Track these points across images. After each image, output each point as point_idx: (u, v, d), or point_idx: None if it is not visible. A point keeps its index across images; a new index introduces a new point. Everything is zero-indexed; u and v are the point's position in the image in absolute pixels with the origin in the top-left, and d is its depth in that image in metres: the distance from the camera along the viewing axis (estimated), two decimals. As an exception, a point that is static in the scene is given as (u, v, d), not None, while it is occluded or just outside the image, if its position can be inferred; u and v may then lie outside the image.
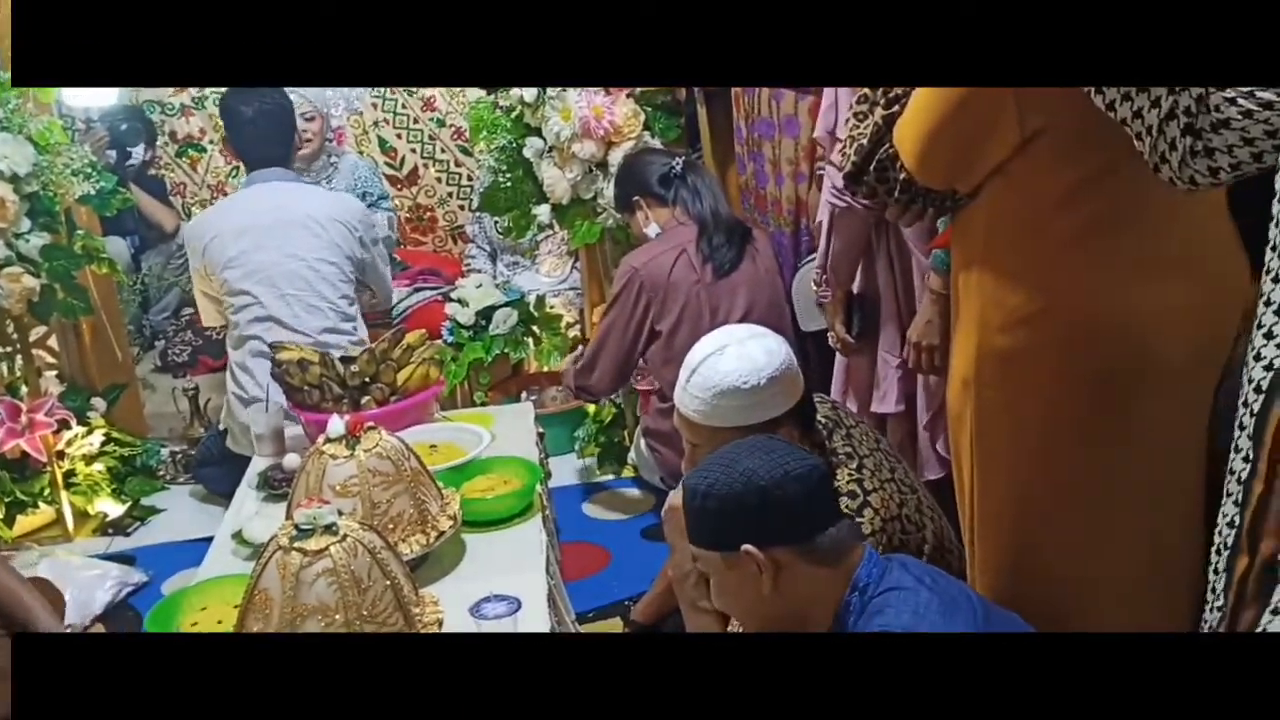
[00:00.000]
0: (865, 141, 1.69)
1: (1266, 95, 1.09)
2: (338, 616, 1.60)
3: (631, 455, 3.53)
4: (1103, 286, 1.50)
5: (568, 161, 3.39)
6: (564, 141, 3.33)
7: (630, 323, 2.83)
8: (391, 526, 1.92)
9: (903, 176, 1.67)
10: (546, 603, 1.88)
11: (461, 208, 5.15)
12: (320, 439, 2.01)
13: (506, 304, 3.78)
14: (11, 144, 3.13)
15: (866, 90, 1.71)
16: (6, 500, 3.23)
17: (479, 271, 4.36)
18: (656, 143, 3.40)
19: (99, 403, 3.58)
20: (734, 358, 1.84)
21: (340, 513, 1.71)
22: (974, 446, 1.67)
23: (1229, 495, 1.05)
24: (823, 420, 1.97)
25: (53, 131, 3.27)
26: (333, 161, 4.02)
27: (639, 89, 3.41)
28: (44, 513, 3.32)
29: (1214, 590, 1.07)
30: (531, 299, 3.86)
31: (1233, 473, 1.04)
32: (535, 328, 3.79)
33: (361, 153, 4.90)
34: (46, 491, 3.30)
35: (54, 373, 3.63)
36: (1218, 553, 1.06)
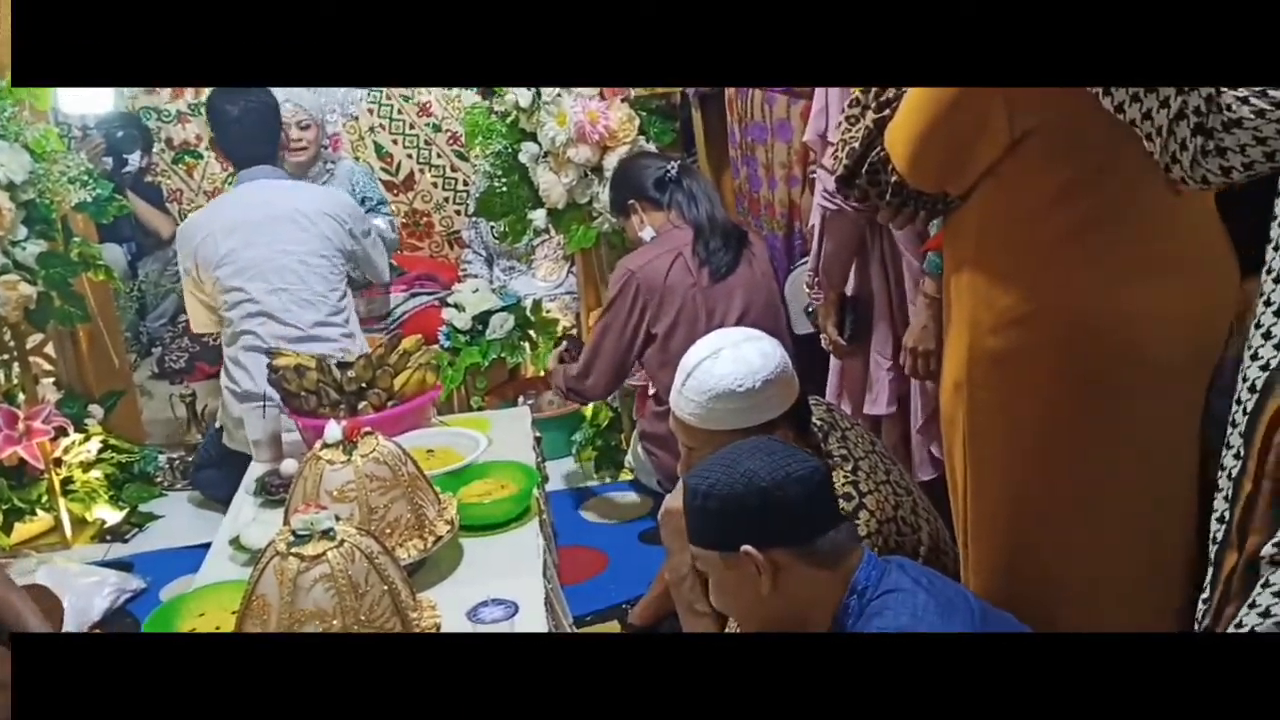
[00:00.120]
0: (857, 145, 1.69)
1: (1278, 94, 1.09)
2: (335, 622, 1.61)
3: (628, 459, 3.53)
4: (1094, 287, 1.51)
5: (563, 166, 3.39)
6: (559, 146, 3.34)
7: (626, 326, 2.83)
8: (389, 531, 1.92)
9: (894, 179, 1.67)
10: (544, 607, 1.89)
11: (458, 213, 5.16)
12: (317, 444, 2.01)
13: (503, 309, 3.79)
14: (7, 152, 3.13)
15: (857, 94, 1.72)
16: (4, 507, 3.23)
17: (475, 276, 4.36)
18: (651, 147, 3.41)
19: (96, 410, 3.58)
20: (729, 361, 1.84)
21: (337, 518, 1.72)
22: (967, 448, 1.67)
23: (1220, 491, 1.06)
24: (818, 423, 1.97)
25: (49, 139, 3.28)
26: (329, 168, 4.03)
27: (633, 93, 3.41)
28: (42, 520, 3.33)
29: (1205, 585, 1.08)
30: (528, 303, 3.86)
31: (1224, 469, 1.05)
32: (532, 332, 3.80)
33: (357, 158, 4.90)
34: (44, 499, 3.30)
35: (51, 380, 3.63)
36: (1212, 542, 1.07)
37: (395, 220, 4.28)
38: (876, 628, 1.43)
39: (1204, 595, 1.07)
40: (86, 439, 3.46)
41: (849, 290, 2.51)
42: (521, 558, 2.08)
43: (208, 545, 2.30)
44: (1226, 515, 1.04)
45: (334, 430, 1.99)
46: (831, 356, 2.65)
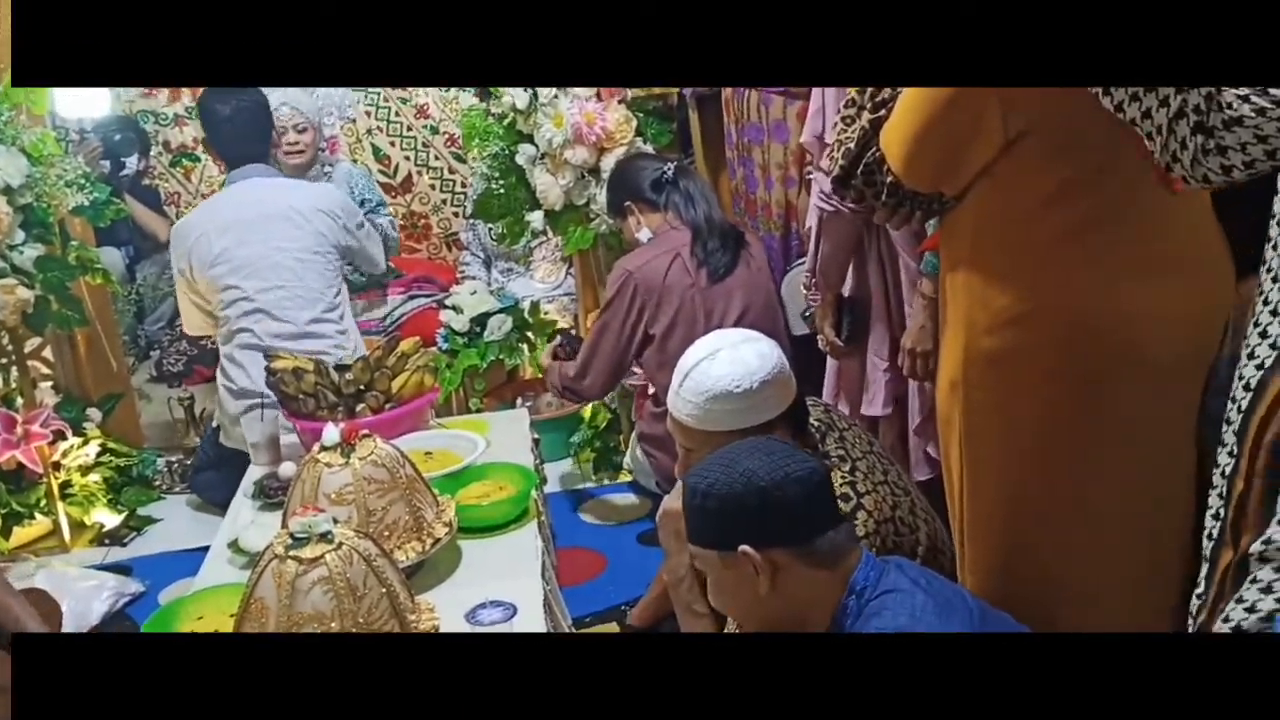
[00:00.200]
0: (852, 145, 1.70)
1: (1279, 92, 1.09)
2: (333, 624, 1.61)
3: (627, 460, 3.53)
4: (1089, 287, 1.51)
5: (560, 168, 3.40)
6: (556, 148, 3.34)
7: (624, 326, 2.83)
8: (387, 534, 1.92)
9: (890, 180, 1.68)
10: (542, 608, 1.89)
11: (456, 215, 5.16)
12: (315, 447, 2.01)
13: (501, 310, 3.79)
14: (4, 156, 3.14)
15: (853, 94, 1.72)
16: (3, 512, 3.23)
17: (473, 278, 4.36)
18: (649, 148, 3.41)
19: (94, 413, 3.59)
20: (726, 362, 1.84)
21: (335, 521, 1.72)
22: (963, 448, 1.68)
23: (1214, 489, 1.06)
24: (816, 423, 1.97)
25: (46, 143, 3.28)
26: (326, 170, 4.03)
27: (630, 95, 3.42)
28: (40, 524, 3.33)
29: (1200, 582, 1.08)
30: (526, 305, 3.86)
31: (1219, 467, 1.05)
32: (530, 334, 3.80)
33: (355, 161, 4.90)
34: (43, 502, 3.30)
35: (49, 384, 3.63)
36: (1207, 539, 1.08)
37: (395, 221, 4.28)
38: (875, 628, 1.43)
39: (1198, 592, 1.08)
40: (85, 442, 3.46)
41: (846, 291, 2.52)
42: (520, 560, 2.08)
43: (206, 548, 2.31)
44: (1221, 513, 1.04)
45: (332, 433, 1.99)
46: (829, 357, 2.65)
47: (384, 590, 1.67)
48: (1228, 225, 1.54)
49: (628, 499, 3.47)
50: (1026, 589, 1.65)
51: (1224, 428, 1.06)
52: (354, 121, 5.06)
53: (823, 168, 2.19)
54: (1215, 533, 1.05)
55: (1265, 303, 1.01)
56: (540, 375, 3.85)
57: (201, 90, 3.51)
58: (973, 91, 1.45)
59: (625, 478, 3.56)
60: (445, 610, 1.81)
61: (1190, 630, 1.09)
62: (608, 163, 3.31)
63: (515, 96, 3.37)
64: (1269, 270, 1.00)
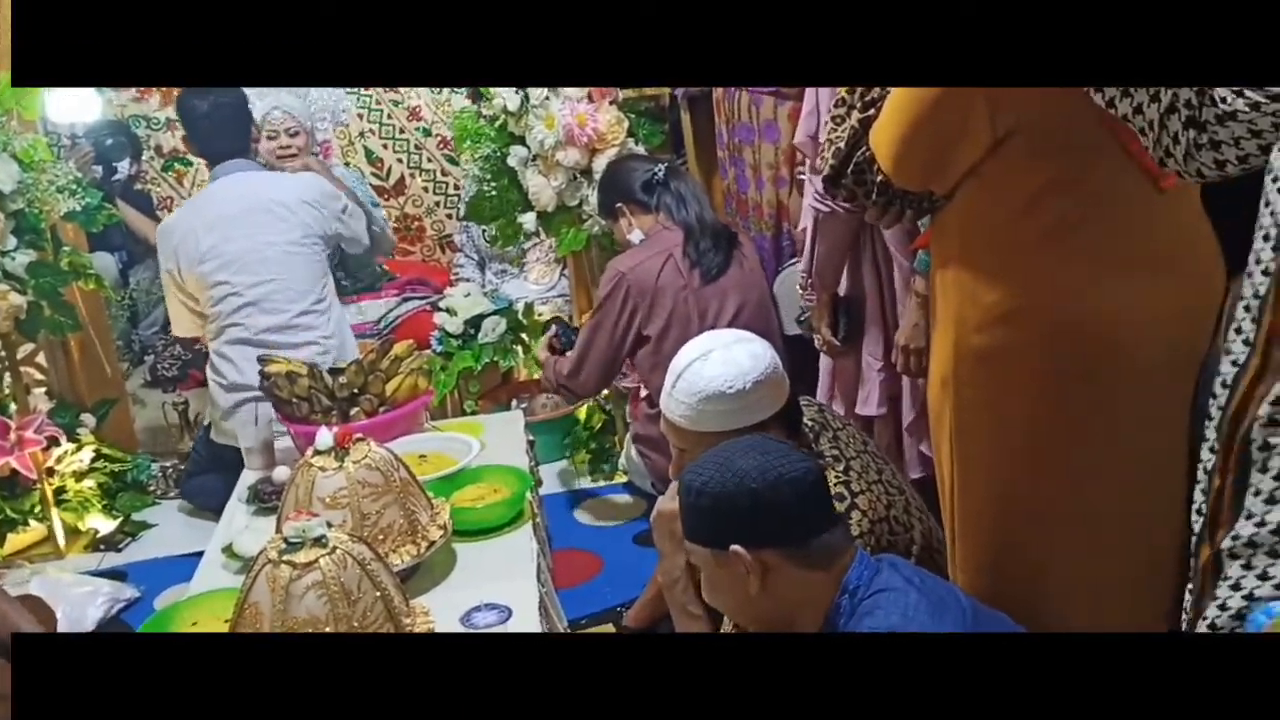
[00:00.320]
0: (842, 145, 1.70)
1: (1273, 86, 1.09)
2: (328, 629, 1.60)
3: (622, 461, 3.53)
4: (1075, 285, 1.52)
5: (552, 169, 3.40)
6: (548, 149, 3.34)
7: (617, 326, 2.83)
8: (381, 537, 1.92)
9: (879, 179, 1.68)
10: (538, 611, 1.88)
11: (449, 217, 5.16)
12: (309, 451, 2.01)
13: (495, 312, 3.79)
14: (-5, 162, 3.14)
15: (843, 94, 1.72)
16: (-3, 518, 3.23)
17: (467, 280, 4.36)
18: (641, 149, 3.41)
19: (88, 419, 3.58)
20: (719, 362, 1.84)
21: (330, 525, 1.71)
22: (953, 445, 1.68)
23: (1198, 485, 1.06)
24: (809, 423, 1.97)
25: (37, 149, 3.28)
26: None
27: (622, 96, 3.42)
28: (35, 530, 3.32)
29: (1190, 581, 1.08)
30: (520, 307, 3.86)
31: (1202, 464, 1.06)
32: (524, 335, 3.80)
33: (348, 164, 4.90)
34: (37, 509, 3.30)
35: (43, 389, 3.63)
36: (1194, 535, 1.08)
37: (386, 222, 4.28)
38: (868, 627, 1.43)
39: (1190, 588, 1.08)
40: (79, 448, 3.46)
41: (841, 291, 2.52)
42: (515, 562, 2.08)
43: (201, 553, 2.30)
44: (1203, 509, 1.04)
45: (325, 437, 1.98)
46: (823, 357, 2.66)
47: (379, 594, 1.67)
48: (1220, 222, 1.54)
49: (623, 500, 3.47)
50: (1016, 587, 1.65)
51: (1206, 424, 1.06)
52: (346, 125, 5.06)
53: (816, 168, 2.19)
54: (1198, 529, 1.06)
55: (1241, 300, 1.01)
56: (535, 378, 3.86)
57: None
58: (960, 91, 1.46)
59: (620, 479, 3.56)
60: (440, 613, 1.81)
61: (1183, 629, 1.09)
62: (600, 164, 3.31)
63: (506, 98, 3.37)
64: (1248, 273, 1.01)
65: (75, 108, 3.82)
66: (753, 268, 2.90)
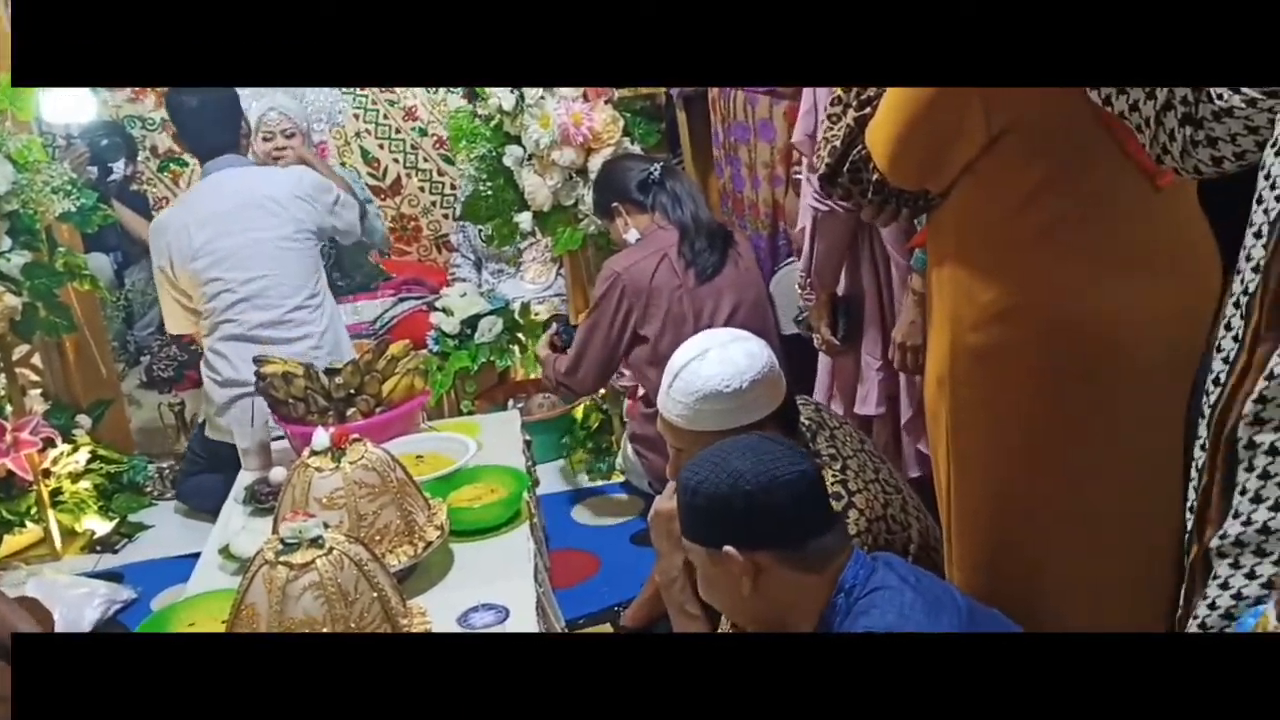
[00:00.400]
0: (838, 143, 1.70)
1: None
2: (325, 630, 1.60)
3: (619, 461, 3.53)
4: (1069, 283, 1.51)
5: (548, 169, 3.39)
6: (543, 149, 3.34)
7: (613, 326, 2.84)
8: (378, 538, 1.92)
9: (875, 177, 1.68)
10: (535, 611, 1.88)
11: (445, 217, 5.15)
12: (305, 452, 2.00)
13: (491, 312, 3.78)
14: (-10, 163, 3.13)
15: (839, 93, 1.72)
16: (-7, 520, 3.23)
17: (464, 280, 4.35)
18: (636, 148, 3.41)
19: (84, 420, 3.57)
20: (715, 362, 1.84)
21: (326, 525, 1.71)
22: (950, 444, 1.68)
23: (1190, 483, 1.07)
24: (806, 422, 1.97)
25: (32, 149, 3.27)
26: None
27: (617, 95, 3.41)
28: (31, 531, 3.32)
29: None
30: (516, 306, 3.86)
31: (1194, 461, 1.06)
32: (521, 335, 3.79)
33: (344, 164, 4.90)
34: (33, 510, 3.29)
35: (38, 391, 3.62)
36: (1187, 534, 1.08)
37: (380, 217, 4.28)
38: (864, 626, 1.43)
39: (1183, 587, 1.08)
40: (75, 450, 3.45)
41: (840, 291, 2.52)
42: (512, 562, 2.07)
43: (198, 555, 2.29)
44: (1194, 507, 1.05)
45: (322, 437, 1.98)
46: (821, 356, 2.66)
47: (375, 595, 1.67)
48: (1218, 220, 1.54)
49: (621, 499, 3.47)
50: (1013, 585, 1.65)
51: (1199, 421, 1.06)
52: (342, 126, 5.06)
53: (814, 167, 2.19)
54: (1190, 527, 1.06)
55: (1231, 296, 1.01)
56: (532, 378, 3.86)
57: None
58: (955, 90, 1.46)
59: (618, 478, 3.55)
60: (437, 614, 1.81)
61: (1176, 628, 1.09)
62: (595, 163, 3.31)
63: (502, 98, 3.37)
64: (1238, 270, 1.01)
65: (70, 108, 3.81)
66: (748, 267, 2.90)
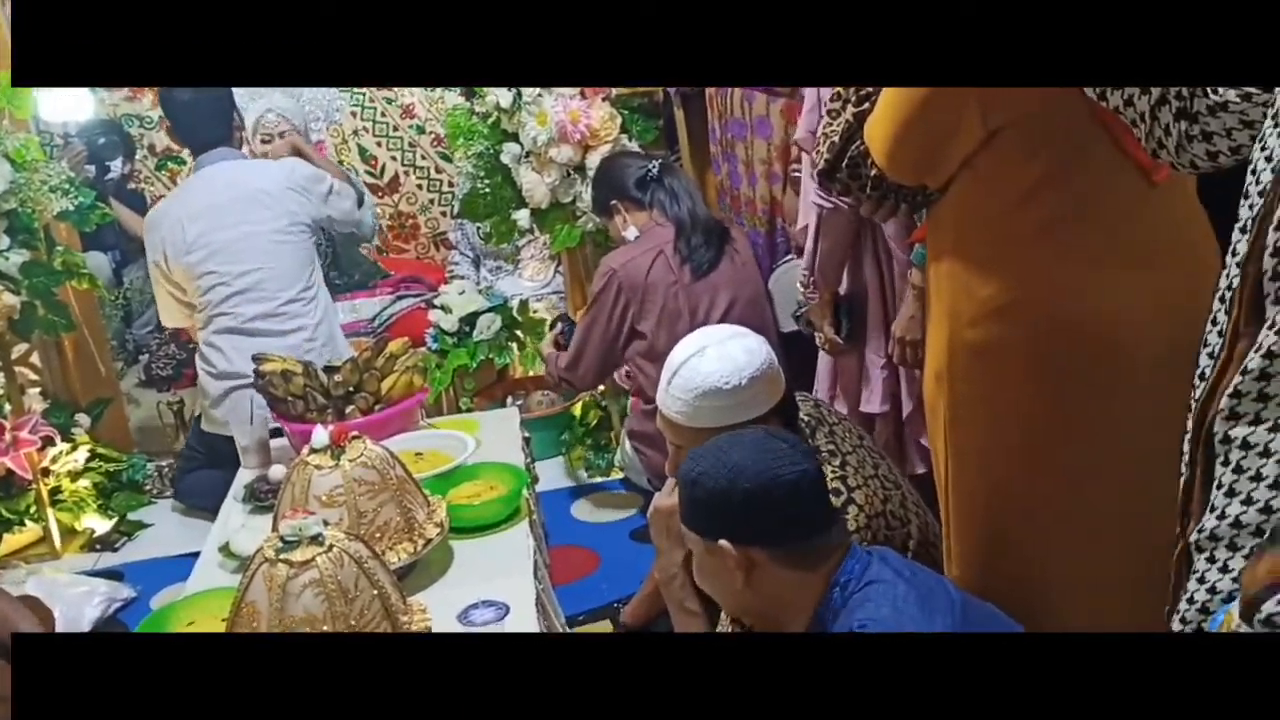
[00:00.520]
0: (837, 139, 1.70)
1: None
2: (325, 627, 1.60)
3: (618, 457, 3.53)
4: (1072, 279, 1.51)
5: (545, 166, 3.39)
6: (541, 146, 3.34)
7: (610, 322, 2.85)
8: (378, 535, 1.92)
9: (874, 173, 1.68)
10: (535, 608, 1.88)
11: (443, 214, 5.15)
12: (305, 450, 2.01)
13: (490, 309, 3.78)
14: (-12, 162, 3.13)
15: (839, 88, 1.72)
16: (-8, 519, 3.23)
17: (462, 278, 4.35)
18: (634, 145, 3.41)
19: (83, 418, 3.58)
20: (714, 358, 1.84)
21: (326, 523, 1.71)
22: (948, 440, 1.68)
23: (1180, 477, 1.07)
24: (805, 418, 1.97)
25: (29, 148, 3.27)
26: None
27: (614, 92, 3.41)
28: (30, 530, 3.32)
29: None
30: (515, 304, 3.86)
31: (1184, 456, 1.07)
32: (519, 332, 3.79)
33: (341, 162, 4.89)
34: (32, 509, 3.29)
35: (37, 390, 3.62)
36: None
37: (372, 207, 4.28)
38: (858, 619, 1.43)
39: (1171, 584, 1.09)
40: (74, 448, 3.45)
41: (843, 289, 2.52)
42: (512, 559, 2.08)
43: (197, 553, 2.30)
44: (1180, 502, 1.06)
45: (321, 435, 1.98)
46: (821, 354, 2.66)
47: (376, 592, 1.67)
48: (1217, 217, 1.54)
49: (620, 496, 3.47)
50: (1010, 582, 1.65)
51: (1187, 417, 1.07)
52: (340, 124, 5.05)
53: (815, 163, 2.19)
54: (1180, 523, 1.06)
55: (1217, 291, 1.02)
56: (531, 375, 3.87)
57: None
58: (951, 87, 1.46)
59: (617, 475, 3.56)
60: (437, 611, 1.81)
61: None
62: (593, 160, 3.31)
63: (499, 95, 3.37)
64: (1233, 254, 1.01)
65: (68, 107, 3.82)
66: (745, 263, 2.90)
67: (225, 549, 2.16)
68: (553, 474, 3.60)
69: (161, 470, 3.77)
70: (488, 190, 3.58)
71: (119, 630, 2.90)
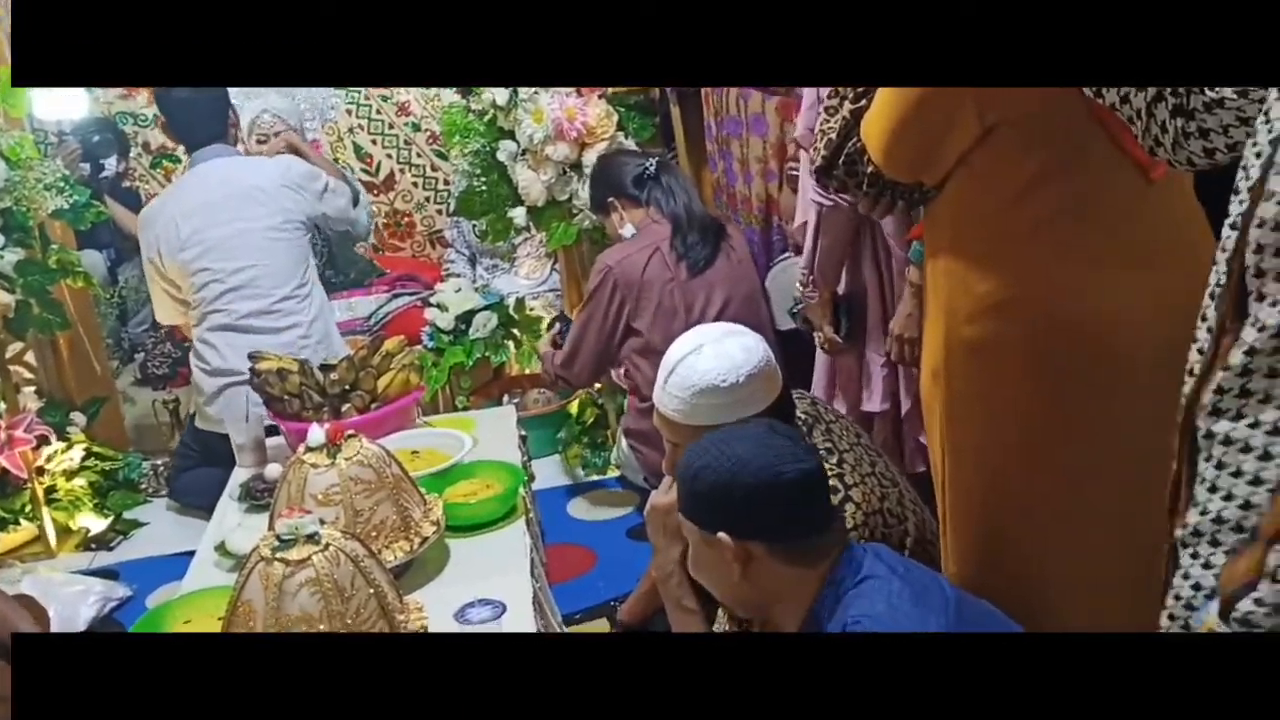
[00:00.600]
0: (834, 136, 1.70)
1: None
2: (321, 626, 1.60)
3: (614, 455, 3.53)
4: (1069, 276, 1.51)
5: (541, 164, 3.39)
6: (537, 144, 3.34)
7: (605, 319, 2.85)
8: (374, 534, 1.91)
9: (870, 170, 1.68)
10: (532, 606, 1.88)
11: (439, 212, 5.14)
12: (301, 448, 2.00)
13: (486, 307, 3.78)
14: (-18, 161, 3.12)
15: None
16: (-13, 518, 3.22)
17: (458, 276, 4.35)
18: (630, 143, 3.41)
19: (79, 417, 3.57)
20: (711, 356, 1.84)
21: (322, 522, 1.71)
22: (944, 438, 1.68)
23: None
24: (802, 416, 1.97)
25: (24, 146, 3.27)
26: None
27: (610, 89, 3.41)
28: (26, 529, 3.31)
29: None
30: (511, 302, 3.86)
31: (1174, 455, 1.07)
32: (516, 330, 3.79)
33: (337, 160, 4.88)
34: (28, 508, 3.28)
35: (32, 388, 3.61)
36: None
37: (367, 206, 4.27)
38: (853, 614, 1.42)
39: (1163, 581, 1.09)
40: (69, 447, 3.44)
41: (841, 289, 2.52)
42: (508, 557, 2.07)
43: (193, 552, 2.29)
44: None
45: (317, 434, 1.98)
46: (818, 352, 2.66)
47: (372, 591, 1.67)
48: (1217, 216, 1.53)
49: (616, 494, 3.47)
50: (1007, 580, 1.65)
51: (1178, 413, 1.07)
52: (335, 121, 5.05)
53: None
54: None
55: (1208, 287, 1.02)
56: (527, 373, 3.86)
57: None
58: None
59: (613, 473, 3.55)
60: (434, 609, 1.81)
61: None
62: (589, 157, 3.30)
63: (495, 93, 3.36)
64: (1214, 262, 1.01)
65: (62, 105, 3.80)
66: (741, 260, 2.90)
67: (221, 548, 2.16)
68: (549, 472, 3.60)
69: (157, 469, 3.77)
70: (484, 188, 3.57)
71: (115, 629, 2.89)
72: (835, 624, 1.45)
